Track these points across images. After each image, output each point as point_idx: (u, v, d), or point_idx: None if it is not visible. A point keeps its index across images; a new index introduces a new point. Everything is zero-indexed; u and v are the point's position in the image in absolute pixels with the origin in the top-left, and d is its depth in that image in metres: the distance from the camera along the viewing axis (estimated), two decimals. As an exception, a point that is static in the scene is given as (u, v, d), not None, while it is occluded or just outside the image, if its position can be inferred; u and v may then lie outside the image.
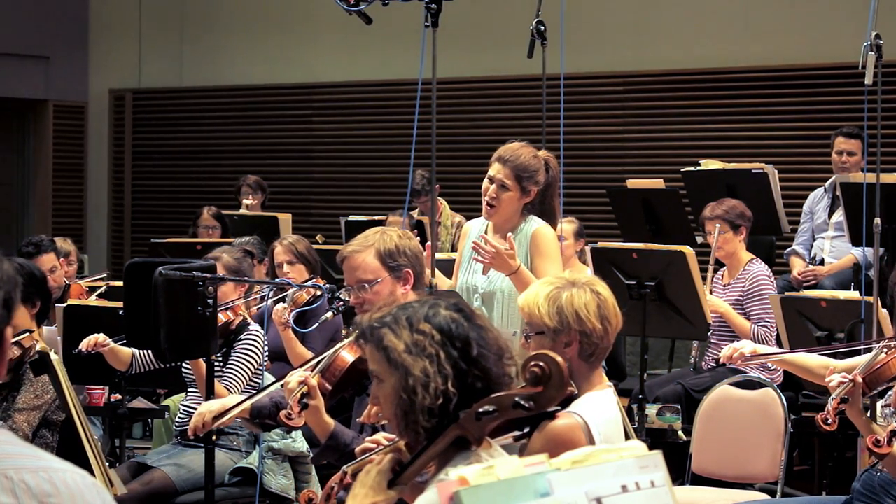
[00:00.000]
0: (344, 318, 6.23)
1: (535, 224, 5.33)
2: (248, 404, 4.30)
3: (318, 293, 6.10)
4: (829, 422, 4.34)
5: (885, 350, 4.44)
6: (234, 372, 5.77)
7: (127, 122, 13.33)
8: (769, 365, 6.58)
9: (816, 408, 6.69)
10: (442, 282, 5.46)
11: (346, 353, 4.08)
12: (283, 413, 3.98)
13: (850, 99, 9.14)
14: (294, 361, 6.18)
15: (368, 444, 3.40)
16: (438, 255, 6.44)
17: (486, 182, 5.36)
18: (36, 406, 5.48)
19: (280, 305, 6.38)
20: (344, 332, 5.09)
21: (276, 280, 6.47)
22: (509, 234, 5.29)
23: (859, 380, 4.35)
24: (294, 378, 3.98)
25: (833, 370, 4.50)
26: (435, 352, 2.86)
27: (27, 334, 5.32)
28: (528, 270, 5.17)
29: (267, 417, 4.24)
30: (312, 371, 4.03)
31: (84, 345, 5.82)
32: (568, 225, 7.81)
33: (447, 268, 5.84)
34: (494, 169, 5.34)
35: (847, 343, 5.19)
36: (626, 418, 4.29)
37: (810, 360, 4.73)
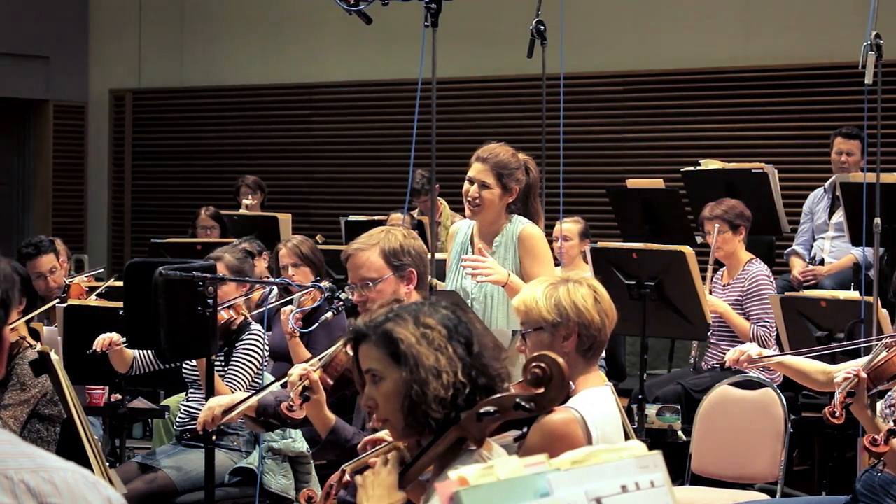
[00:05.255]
0: (347, 316, 6.22)
1: (520, 224, 5.33)
2: (255, 400, 4.31)
3: (323, 294, 6.10)
4: (837, 415, 4.36)
5: (887, 348, 4.46)
6: (236, 372, 5.77)
7: (127, 122, 13.33)
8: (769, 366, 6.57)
9: (816, 408, 6.70)
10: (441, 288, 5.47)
11: (349, 348, 4.09)
12: (284, 405, 3.98)
13: (850, 99, 9.14)
14: (298, 365, 6.17)
15: (374, 436, 3.40)
16: (438, 256, 6.44)
17: (466, 184, 5.37)
18: (22, 401, 5.49)
19: (288, 308, 6.37)
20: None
21: (277, 280, 6.46)
22: (479, 246, 5.28)
23: (863, 375, 4.37)
24: (296, 371, 3.99)
25: (833, 374, 4.52)
26: (444, 345, 2.87)
27: (12, 330, 5.35)
28: (518, 278, 5.17)
29: (272, 416, 4.25)
30: (315, 366, 4.04)
31: (98, 344, 5.79)
32: (574, 225, 7.81)
33: (440, 267, 5.84)
34: (474, 169, 5.36)
35: (847, 342, 5.19)
36: (626, 418, 4.29)
37: (809, 365, 4.73)
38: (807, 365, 4.75)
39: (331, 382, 4.05)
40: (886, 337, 4.61)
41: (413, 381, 2.85)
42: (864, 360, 4.55)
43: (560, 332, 3.51)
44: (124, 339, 5.80)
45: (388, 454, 2.99)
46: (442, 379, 2.84)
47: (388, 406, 2.91)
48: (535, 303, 3.53)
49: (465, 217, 5.61)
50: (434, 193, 6.22)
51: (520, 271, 5.25)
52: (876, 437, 4.27)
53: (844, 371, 4.43)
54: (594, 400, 3.50)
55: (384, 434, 3.38)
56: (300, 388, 3.93)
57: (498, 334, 5.02)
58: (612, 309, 3.58)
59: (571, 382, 3.48)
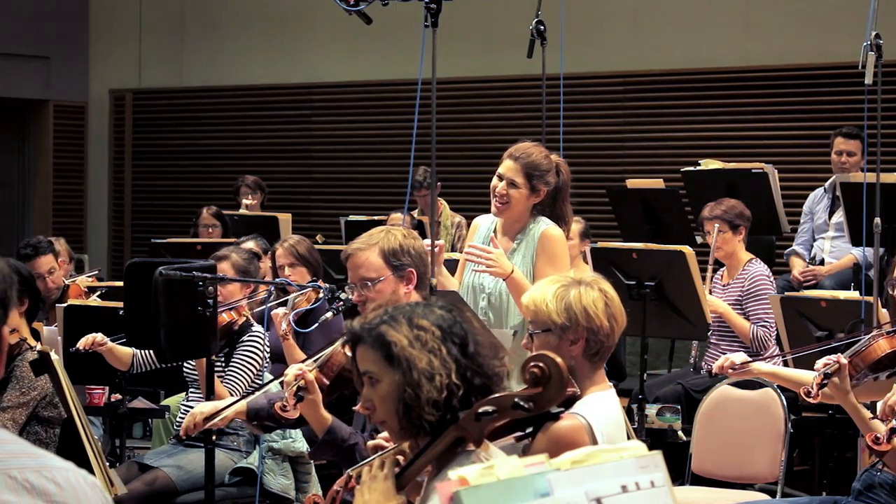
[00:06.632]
0: (345, 317, 6.21)
1: (543, 225, 5.30)
2: (241, 405, 4.30)
3: (319, 294, 6.09)
4: (812, 394, 4.42)
5: (872, 339, 4.52)
6: (236, 374, 5.77)
7: (127, 123, 13.33)
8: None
9: (816, 408, 6.71)
10: (447, 280, 5.44)
11: (346, 349, 4.08)
12: (278, 405, 3.98)
13: (850, 99, 9.15)
14: (294, 368, 6.15)
15: (381, 441, 3.39)
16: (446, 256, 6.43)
17: (495, 179, 5.33)
18: (22, 403, 5.48)
19: (281, 310, 6.35)
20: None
21: (277, 280, 6.45)
22: (493, 236, 5.28)
23: (844, 361, 4.42)
24: (292, 371, 3.99)
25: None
26: (437, 346, 2.86)
27: (14, 331, 5.34)
28: (522, 275, 5.16)
29: (265, 419, 4.24)
30: (311, 366, 4.03)
31: (82, 343, 5.82)
32: (574, 225, 7.79)
33: (447, 267, 5.83)
34: (505, 166, 5.31)
35: (845, 335, 5.20)
36: (626, 418, 4.30)
37: (801, 375, 4.74)
38: (800, 375, 4.75)
39: (327, 382, 4.04)
40: (875, 329, 4.65)
41: (406, 384, 2.84)
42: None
43: (568, 335, 3.49)
44: (109, 339, 5.81)
45: (385, 456, 2.98)
46: (435, 381, 2.84)
47: (384, 408, 2.91)
48: (545, 304, 3.51)
49: (464, 217, 5.59)
50: (434, 193, 6.21)
51: (533, 270, 5.23)
52: (878, 435, 4.28)
53: (826, 357, 4.48)
54: (599, 404, 3.49)
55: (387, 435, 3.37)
56: (295, 387, 3.92)
57: (498, 334, 5.02)
58: (622, 314, 3.55)
59: (578, 387, 3.46)
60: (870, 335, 4.58)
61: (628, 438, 3.73)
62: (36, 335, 5.98)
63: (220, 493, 5.52)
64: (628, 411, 6.40)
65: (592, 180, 10.43)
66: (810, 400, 4.45)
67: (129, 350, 5.92)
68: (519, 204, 5.29)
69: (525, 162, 5.28)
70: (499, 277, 5.18)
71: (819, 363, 4.48)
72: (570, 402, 3.32)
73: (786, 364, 6.05)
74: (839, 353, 4.50)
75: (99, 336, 5.83)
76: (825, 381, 4.40)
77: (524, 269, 5.25)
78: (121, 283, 5.97)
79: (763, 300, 6.99)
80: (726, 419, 5.99)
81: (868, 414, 4.50)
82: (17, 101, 13.05)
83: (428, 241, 5.08)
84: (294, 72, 12.37)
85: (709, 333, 6.94)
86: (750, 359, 4.87)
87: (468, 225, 6.49)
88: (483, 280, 5.34)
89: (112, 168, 13.49)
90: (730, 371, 4.77)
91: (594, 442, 3.38)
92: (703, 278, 7.05)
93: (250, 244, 7.36)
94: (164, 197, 13.10)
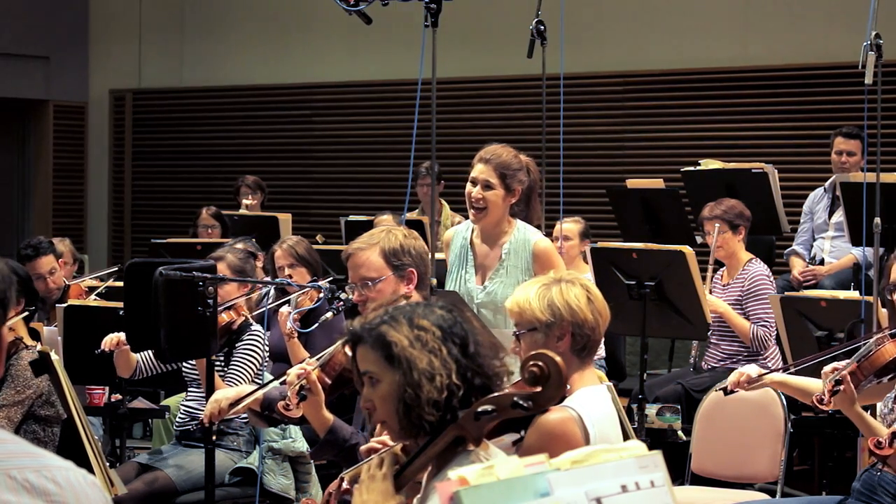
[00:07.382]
0: (346, 316, 6.21)
1: (531, 236, 5.32)
2: (260, 393, 4.31)
3: (320, 293, 6.09)
4: (825, 401, 4.40)
5: (877, 343, 4.51)
6: (236, 373, 5.77)
7: (127, 123, 13.33)
8: (769, 365, 6.60)
9: (816, 408, 6.71)
10: None
11: (347, 349, 4.09)
12: (280, 404, 3.98)
13: (850, 99, 9.15)
14: (298, 368, 6.15)
15: (375, 444, 3.39)
16: (438, 256, 6.44)
17: (468, 186, 5.36)
18: (17, 402, 5.49)
19: (285, 309, 6.34)
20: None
21: (277, 280, 6.45)
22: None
23: (852, 366, 4.40)
24: (294, 371, 3.99)
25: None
26: (437, 347, 2.86)
27: (17, 320, 5.37)
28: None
29: (273, 412, 4.25)
30: (312, 365, 4.04)
31: (106, 344, 5.79)
32: (574, 225, 7.81)
33: (438, 267, 5.82)
34: (477, 170, 5.35)
35: (845, 345, 5.20)
36: (626, 418, 4.30)
37: (810, 383, 4.73)
38: (811, 384, 4.74)
39: (329, 382, 4.04)
40: (879, 332, 4.64)
41: (406, 385, 2.84)
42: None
43: (554, 332, 3.51)
44: None
45: (384, 455, 2.98)
46: (435, 381, 2.84)
47: (385, 408, 2.91)
48: (529, 304, 3.53)
49: (463, 216, 5.60)
50: (435, 192, 6.22)
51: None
52: (881, 439, 4.28)
53: (834, 363, 4.47)
54: (590, 398, 3.50)
55: (385, 439, 3.37)
56: (297, 387, 3.93)
57: (498, 334, 5.02)
58: (606, 308, 3.58)
59: (567, 382, 3.48)
60: (874, 339, 4.56)
61: (624, 434, 3.73)
62: (36, 335, 5.99)
63: (220, 493, 5.52)
64: (628, 411, 6.40)
65: (592, 180, 10.43)
66: (823, 407, 4.43)
67: (135, 356, 5.91)
68: (496, 207, 5.30)
69: (497, 162, 5.31)
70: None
71: (827, 369, 4.47)
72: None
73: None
74: (845, 360, 4.48)
75: (123, 336, 5.81)
76: (837, 389, 4.39)
77: (516, 279, 5.25)
78: (121, 283, 5.97)
79: (763, 300, 6.99)
80: (726, 419, 5.99)
81: (872, 419, 4.49)
82: (16, 101, 13.05)
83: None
84: (294, 72, 12.37)
85: (709, 333, 6.94)
86: (764, 370, 4.86)
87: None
88: (471, 289, 5.36)
89: (112, 168, 13.49)
90: (746, 385, 4.75)
91: (585, 433, 3.38)
92: (703, 278, 7.05)
93: (242, 245, 7.35)
94: (164, 197, 13.10)
